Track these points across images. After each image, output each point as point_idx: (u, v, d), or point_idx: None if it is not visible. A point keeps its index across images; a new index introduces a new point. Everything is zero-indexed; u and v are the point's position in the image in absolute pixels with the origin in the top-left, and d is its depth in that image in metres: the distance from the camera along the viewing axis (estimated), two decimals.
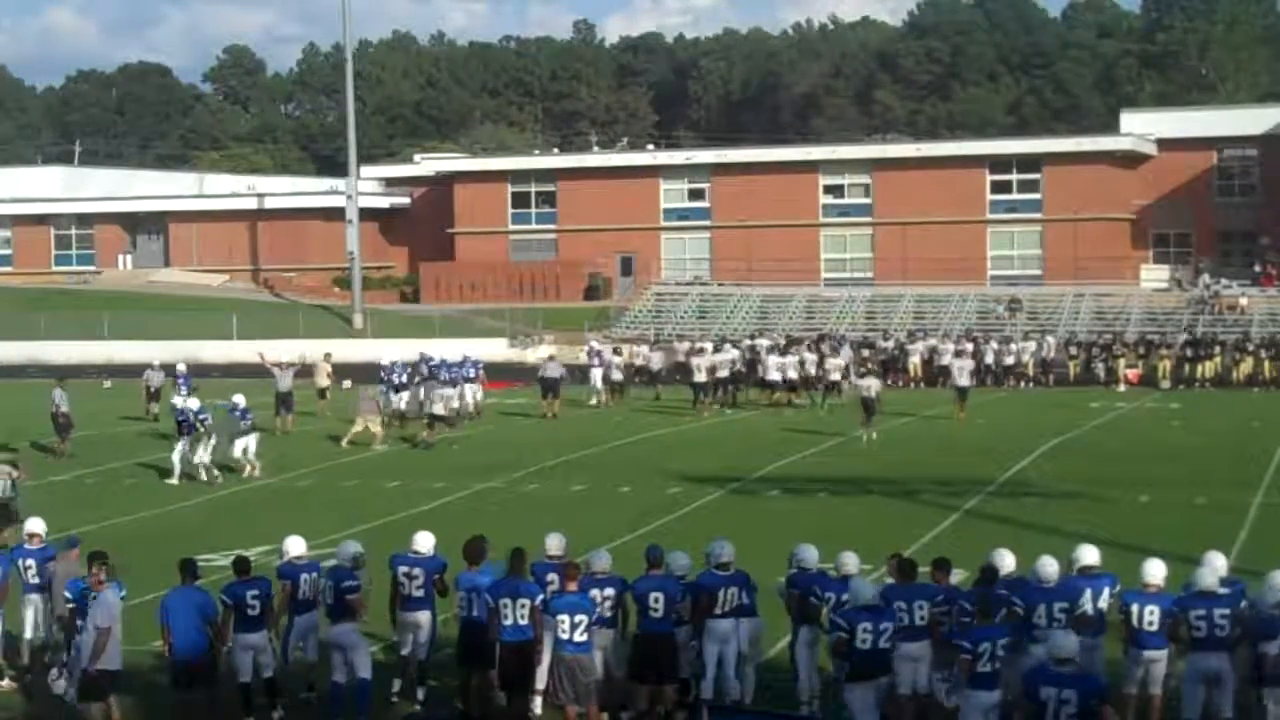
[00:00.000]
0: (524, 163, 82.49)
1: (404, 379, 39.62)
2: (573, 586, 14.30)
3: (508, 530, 19.88)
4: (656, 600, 14.43)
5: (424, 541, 15.67)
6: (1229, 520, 24.03)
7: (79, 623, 14.72)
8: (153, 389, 41.19)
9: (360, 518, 25.14)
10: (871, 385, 36.58)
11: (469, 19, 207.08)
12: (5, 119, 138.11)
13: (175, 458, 30.22)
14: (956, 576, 15.16)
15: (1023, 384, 49.91)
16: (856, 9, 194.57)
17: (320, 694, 15.32)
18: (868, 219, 72.16)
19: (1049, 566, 14.24)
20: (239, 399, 31.29)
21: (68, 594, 15.39)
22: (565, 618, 13.98)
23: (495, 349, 58.53)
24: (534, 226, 76.50)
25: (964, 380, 40.18)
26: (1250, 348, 50.88)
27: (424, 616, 15.51)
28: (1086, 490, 27.50)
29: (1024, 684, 11.77)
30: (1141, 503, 26.60)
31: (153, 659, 16.13)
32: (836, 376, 43.28)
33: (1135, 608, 13.80)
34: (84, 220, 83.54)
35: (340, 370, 43.12)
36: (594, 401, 44.32)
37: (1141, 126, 72.21)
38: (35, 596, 16.78)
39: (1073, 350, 52.44)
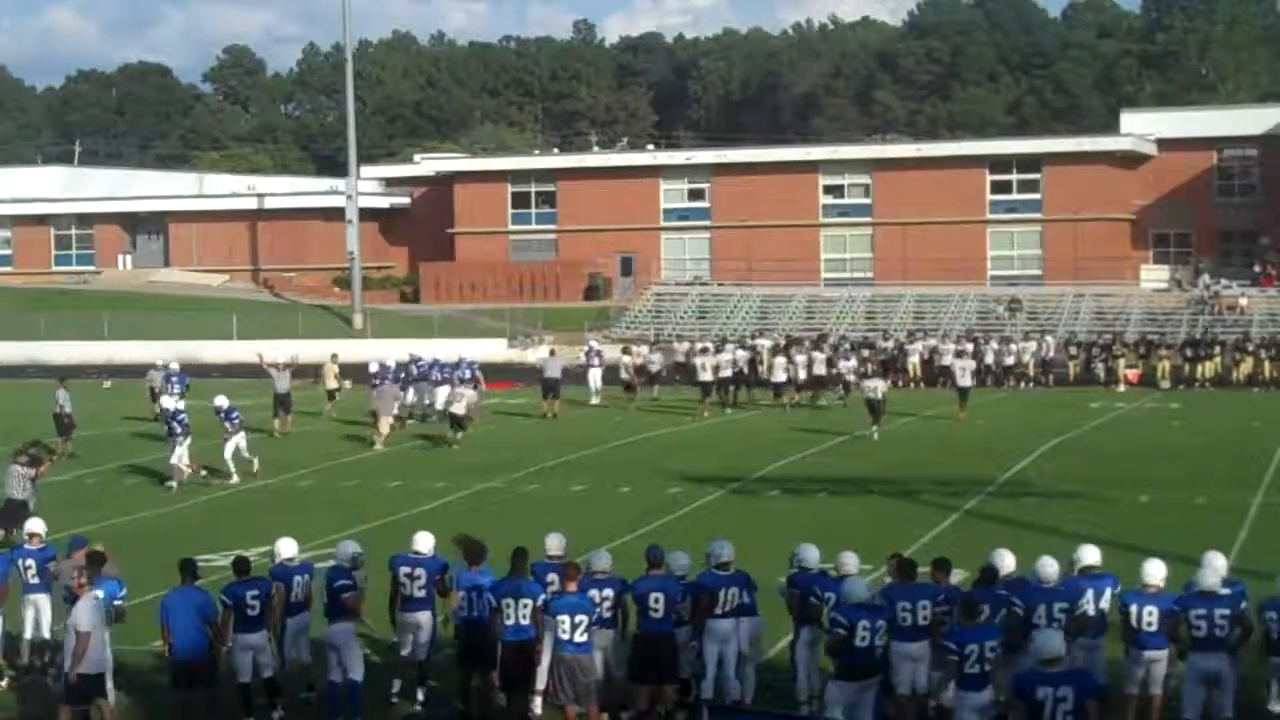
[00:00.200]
0: (524, 163, 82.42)
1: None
2: (572, 587, 14.30)
3: (508, 530, 19.89)
4: (657, 600, 14.43)
5: (424, 542, 15.67)
6: (1229, 520, 24.03)
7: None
8: (156, 389, 41.14)
9: (360, 518, 25.15)
10: (878, 386, 36.63)
11: (469, 19, 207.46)
12: (5, 119, 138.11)
13: (174, 460, 30.21)
14: (956, 576, 15.16)
15: (1023, 384, 49.85)
16: (856, 9, 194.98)
17: (319, 694, 15.34)
18: (868, 219, 72.11)
19: (1049, 567, 14.25)
20: (221, 400, 31.04)
21: (65, 595, 15.39)
22: (565, 618, 13.98)
23: (495, 349, 58.58)
24: (534, 226, 76.45)
25: (966, 380, 40.21)
26: (1250, 348, 50.81)
27: (424, 617, 15.52)
28: (1086, 490, 27.49)
29: (1016, 684, 11.66)
30: (1141, 503, 26.60)
31: (153, 659, 16.15)
32: (851, 377, 43.53)
33: (1135, 608, 13.80)
34: (84, 220, 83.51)
35: (342, 371, 43.04)
36: (594, 402, 44.30)
37: (1141, 126, 72.18)
38: (35, 596, 16.78)
39: (1073, 350, 52.41)
